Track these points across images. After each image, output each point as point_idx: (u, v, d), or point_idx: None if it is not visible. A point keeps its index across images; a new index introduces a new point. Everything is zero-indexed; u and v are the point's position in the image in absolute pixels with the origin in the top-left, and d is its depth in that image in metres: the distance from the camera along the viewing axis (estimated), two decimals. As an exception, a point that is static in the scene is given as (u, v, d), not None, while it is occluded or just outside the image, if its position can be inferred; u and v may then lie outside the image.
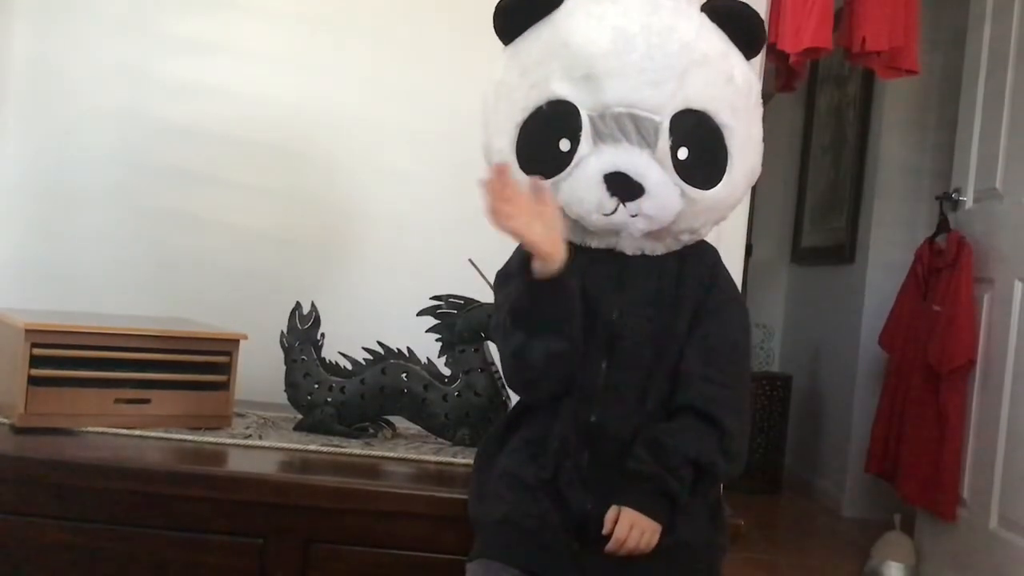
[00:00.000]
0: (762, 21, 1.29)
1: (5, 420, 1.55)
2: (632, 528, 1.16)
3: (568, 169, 1.20)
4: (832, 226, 4.40)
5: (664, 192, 1.19)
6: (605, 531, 1.17)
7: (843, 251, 4.21)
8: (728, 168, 1.23)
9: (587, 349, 1.21)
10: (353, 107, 2.04)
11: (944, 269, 3.11)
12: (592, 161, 1.19)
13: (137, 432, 1.57)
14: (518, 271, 1.22)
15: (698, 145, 1.20)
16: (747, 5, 1.26)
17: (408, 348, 1.67)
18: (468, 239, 1.56)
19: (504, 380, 1.30)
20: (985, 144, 3.02)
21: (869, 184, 4.07)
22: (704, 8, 1.24)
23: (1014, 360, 2.78)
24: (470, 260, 1.58)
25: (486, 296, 1.60)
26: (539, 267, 1.17)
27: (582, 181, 1.19)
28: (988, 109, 3.02)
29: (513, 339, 1.21)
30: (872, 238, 3.99)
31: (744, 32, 1.25)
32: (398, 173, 2.04)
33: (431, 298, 1.65)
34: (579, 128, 1.19)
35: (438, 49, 2.03)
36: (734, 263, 1.97)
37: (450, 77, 2.00)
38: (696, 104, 1.19)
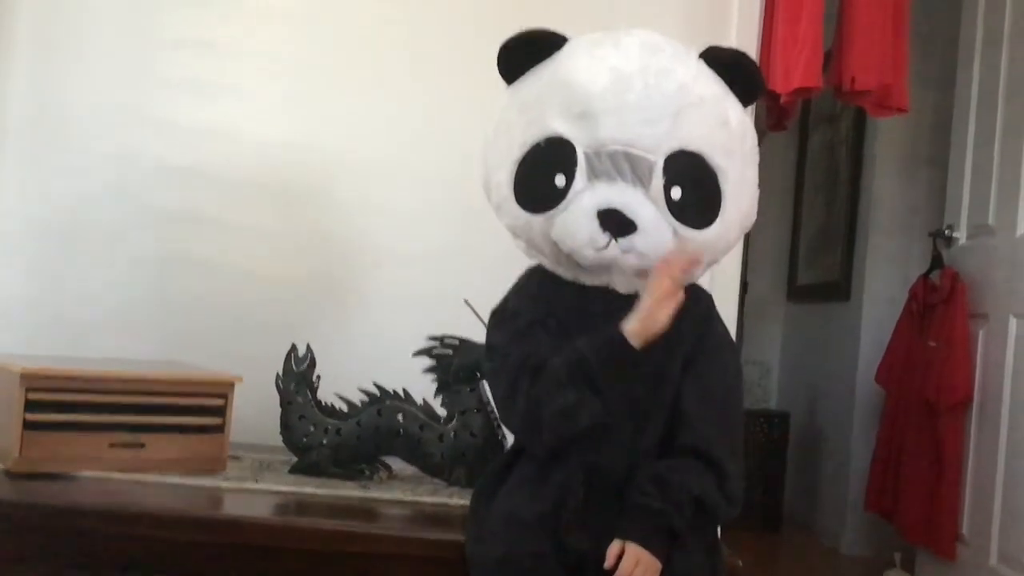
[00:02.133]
0: (759, 70, 1.32)
1: (0, 465, 1.55)
2: (637, 564, 1.16)
3: (563, 204, 1.21)
4: (827, 263, 4.41)
5: (656, 230, 1.20)
6: (607, 565, 1.16)
7: (838, 288, 4.22)
8: (721, 210, 1.24)
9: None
10: (350, 149, 2.05)
11: (939, 305, 3.11)
12: (586, 197, 1.20)
13: (132, 476, 1.56)
14: (521, 316, 1.23)
15: (691, 185, 1.21)
16: (745, 54, 1.29)
17: (404, 389, 1.67)
18: (464, 279, 1.56)
19: (523, 427, 1.27)
20: (977, 181, 3.04)
21: (863, 221, 4.09)
22: (703, 55, 1.26)
23: (1011, 395, 2.77)
24: (466, 301, 1.58)
25: (482, 336, 1.60)
26: (641, 338, 1.18)
27: (576, 216, 1.20)
28: (979, 146, 3.04)
29: (565, 394, 1.19)
30: (867, 275, 4.00)
31: (742, 80, 1.27)
32: (393, 214, 2.05)
33: (427, 338, 1.65)
34: (575, 164, 1.20)
35: (435, 89, 2.05)
36: (730, 300, 1.98)
37: (447, 117, 2.02)
38: (691, 145, 1.21)
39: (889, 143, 3.96)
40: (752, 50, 2.01)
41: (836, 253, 4.29)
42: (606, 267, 1.24)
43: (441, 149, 2.01)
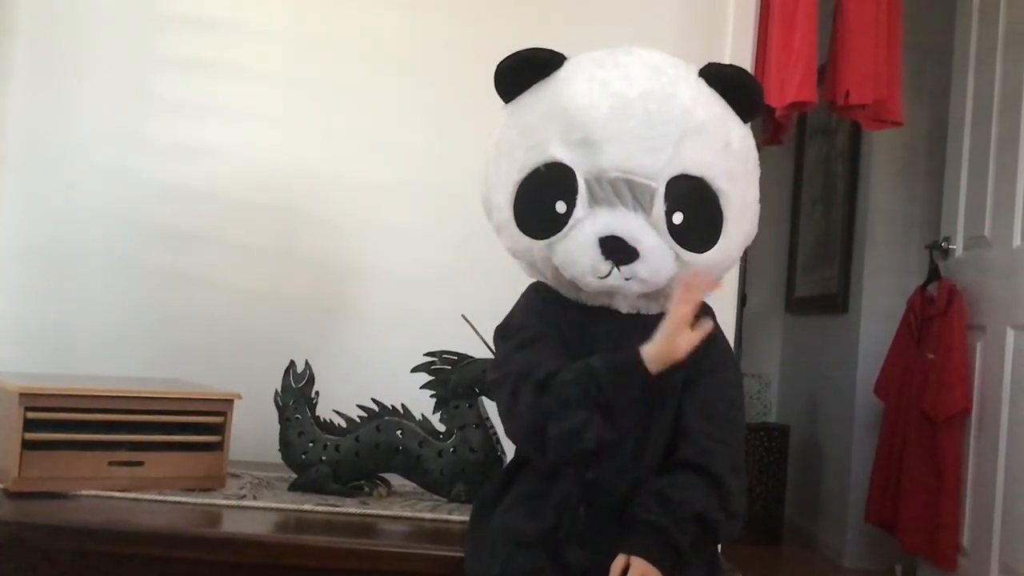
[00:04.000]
0: (760, 87, 1.32)
1: (-1, 484, 1.55)
2: None
3: (564, 231, 1.21)
4: (824, 276, 4.41)
5: (658, 256, 1.20)
6: None
7: (836, 300, 4.22)
8: (723, 232, 1.24)
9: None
10: (347, 166, 2.06)
11: (936, 317, 3.12)
12: (587, 224, 1.20)
13: (131, 495, 1.56)
14: (525, 332, 1.22)
15: (693, 210, 1.21)
16: (745, 71, 1.29)
17: (403, 405, 1.67)
18: (462, 296, 1.57)
19: (525, 439, 1.27)
20: (973, 193, 3.05)
21: (860, 234, 4.09)
22: (703, 73, 1.26)
23: (1009, 406, 2.77)
24: (463, 316, 1.59)
25: (480, 352, 1.60)
26: (657, 364, 1.17)
27: (577, 243, 1.20)
28: (975, 158, 3.05)
29: (573, 415, 1.17)
30: (864, 287, 4.01)
31: (742, 97, 1.27)
32: (391, 231, 2.06)
33: (425, 354, 1.65)
34: (575, 191, 1.20)
35: (432, 107, 2.06)
36: (728, 313, 1.98)
37: (444, 135, 2.03)
38: (692, 170, 1.21)
39: (885, 156, 3.97)
40: (747, 65, 2.02)
41: (834, 266, 4.30)
42: (608, 293, 1.24)
43: (440, 168, 2.03)
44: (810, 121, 4.54)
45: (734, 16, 2.07)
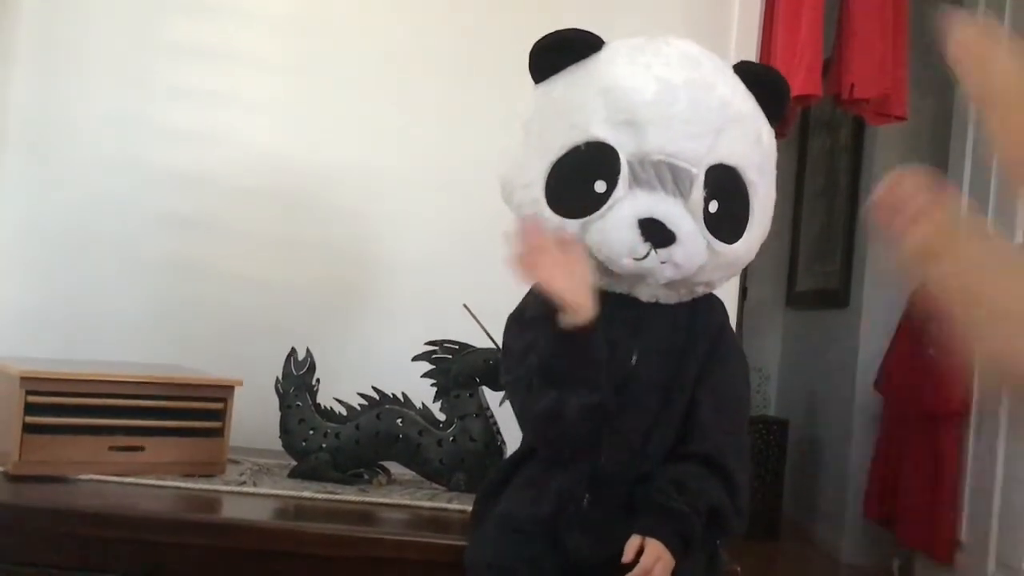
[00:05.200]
0: (789, 88, 1.33)
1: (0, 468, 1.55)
2: (658, 560, 1.15)
3: (601, 211, 1.20)
4: (826, 270, 4.42)
5: (694, 242, 1.20)
6: (627, 559, 1.14)
7: (837, 295, 4.22)
8: (749, 224, 1.25)
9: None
10: (352, 155, 2.05)
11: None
12: (627, 205, 1.19)
13: (131, 480, 1.56)
14: (541, 323, 1.20)
15: (727, 199, 1.22)
16: (777, 71, 1.31)
17: (403, 393, 1.67)
18: (464, 285, 1.56)
19: (529, 435, 1.28)
20: (975, 187, 3.05)
21: (862, 228, 4.09)
22: (737, 69, 1.28)
23: (1009, 402, 2.77)
24: (465, 306, 1.59)
25: (482, 341, 1.61)
26: (566, 319, 1.16)
27: (616, 223, 1.19)
28: (978, 153, 3.05)
29: (543, 398, 1.19)
30: (866, 282, 4.01)
31: (772, 95, 1.28)
32: (394, 219, 2.05)
33: (426, 343, 1.65)
34: (617, 171, 1.19)
35: (437, 96, 2.05)
36: (729, 307, 1.97)
37: (450, 124, 2.02)
38: (729, 160, 1.22)
39: (888, 150, 3.97)
40: (752, 58, 2.01)
41: (835, 260, 4.30)
42: (640, 276, 1.23)
43: (444, 156, 2.02)
44: (813, 114, 4.54)
45: (739, 8, 2.06)
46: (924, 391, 3.06)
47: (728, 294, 1.96)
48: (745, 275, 2.48)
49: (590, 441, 1.21)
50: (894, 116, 2.43)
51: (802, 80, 2.16)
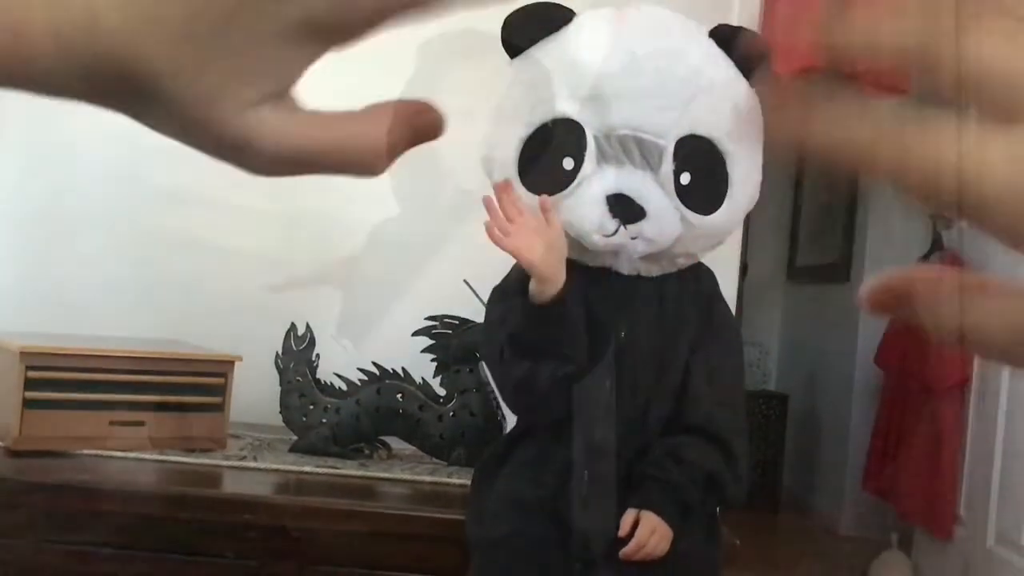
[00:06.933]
0: (767, 47, 1.30)
1: (0, 443, 1.55)
2: (653, 532, 1.16)
3: (570, 188, 1.19)
4: (827, 244, 4.41)
5: (665, 216, 1.19)
6: (622, 533, 1.16)
7: (838, 269, 4.22)
8: (728, 194, 1.23)
9: (592, 369, 1.21)
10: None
11: (938, 287, 3.12)
12: (595, 181, 1.19)
13: (132, 454, 1.56)
14: (515, 293, 1.20)
15: (700, 171, 1.20)
16: (753, 32, 1.28)
17: (403, 368, 1.67)
18: (464, 261, 1.56)
19: (506, 405, 1.30)
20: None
21: (863, 203, 4.08)
22: (711, 33, 1.25)
23: (1008, 377, 2.78)
24: (465, 281, 1.58)
25: (482, 317, 1.60)
26: (538, 290, 1.15)
27: (584, 200, 1.19)
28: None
29: (516, 368, 1.19)
30: (867, 256, 4.00)
31: (749, 58, 1.25)
32: (394, 195, 2.05)
33: (426, 319, 1.65)
34: (584, 148, 1.19)
35: (432, 74, 2.04)
36: (729, 282, 1.97)
37: (447, 102, 2.00)
38: (701, 130, 1.19)
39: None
40: (754, 29, 2.00)
41: (836, 234, 4.29)
42: (612, 252, 1.23)
43: (445, 133, 2.01)
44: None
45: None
46: (924, 365, 3.07)
47: (728, 269, 1.95)
48: (745, 250, 2.47)
49: (564, 410, 1.20)
50: (896, 89, 2.41)
51: (805, 52, 2.15)
